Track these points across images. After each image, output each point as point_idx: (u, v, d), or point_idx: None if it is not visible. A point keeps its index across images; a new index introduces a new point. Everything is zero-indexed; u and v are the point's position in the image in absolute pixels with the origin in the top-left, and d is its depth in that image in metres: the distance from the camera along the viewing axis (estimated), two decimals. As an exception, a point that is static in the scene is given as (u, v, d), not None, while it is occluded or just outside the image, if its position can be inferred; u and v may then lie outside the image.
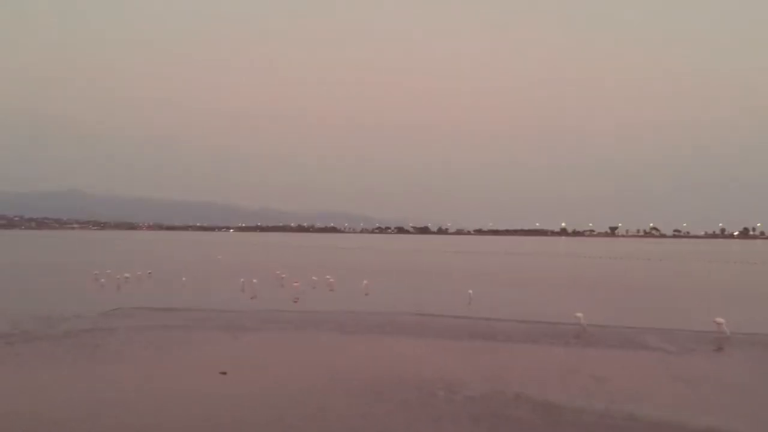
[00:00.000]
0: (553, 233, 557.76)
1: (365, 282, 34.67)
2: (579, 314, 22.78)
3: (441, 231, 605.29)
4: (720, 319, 21.62)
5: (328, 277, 37.90)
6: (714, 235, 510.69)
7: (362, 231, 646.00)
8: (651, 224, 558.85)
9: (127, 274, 39.07)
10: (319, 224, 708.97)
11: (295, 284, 33.06)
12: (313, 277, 38.06)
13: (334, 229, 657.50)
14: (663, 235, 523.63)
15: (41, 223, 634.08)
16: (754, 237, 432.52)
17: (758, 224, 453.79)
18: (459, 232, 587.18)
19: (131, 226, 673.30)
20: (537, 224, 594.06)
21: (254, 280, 34.57)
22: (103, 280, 37.03)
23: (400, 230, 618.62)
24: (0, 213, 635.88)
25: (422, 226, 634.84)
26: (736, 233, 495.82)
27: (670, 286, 41.74)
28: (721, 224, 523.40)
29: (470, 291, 31.48)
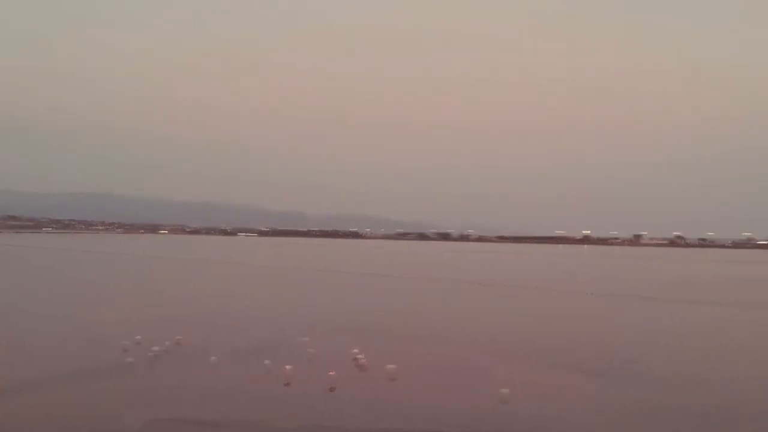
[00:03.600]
0: (575, 240, 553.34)
1: (392, 366, 35.05)
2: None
3: (463, 237, 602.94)
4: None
5: (356, 350, 38.85)
6: (741, 244, 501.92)
7: (383, 237, 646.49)
8: (675, 233, 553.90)
9: (155, 347, 39.28)
10: (340, 228, 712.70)
11: (331, 373, 33.34)
12: (354, 353, 38.82)
13: (355, 234, 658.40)
14: (688, 245, 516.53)
15: (67, 225, 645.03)
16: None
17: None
18: (481, 239, 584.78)
19: (154, 229, 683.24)
20: (559, 231, 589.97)
21: (287, 367, 34.54)
22: (131, 359, 37.14)
23: (421, 236, 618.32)
24: (29, 215, 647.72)
25: (444, 232, 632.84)
26: (764, 242, 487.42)
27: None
28: (749, 233, 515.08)
29: (506, 390, 30.89)
